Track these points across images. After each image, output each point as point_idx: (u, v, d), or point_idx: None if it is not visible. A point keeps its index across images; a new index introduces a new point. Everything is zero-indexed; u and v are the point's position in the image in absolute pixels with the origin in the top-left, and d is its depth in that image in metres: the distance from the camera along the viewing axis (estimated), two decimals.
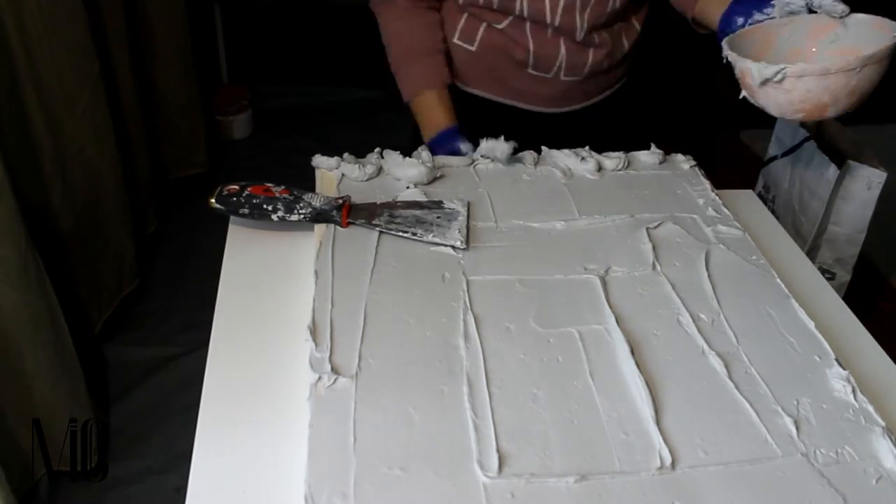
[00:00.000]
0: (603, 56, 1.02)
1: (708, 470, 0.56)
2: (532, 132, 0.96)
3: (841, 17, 0.84)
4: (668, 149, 0.99)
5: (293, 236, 0.81)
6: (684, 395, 0.62)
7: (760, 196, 1.40)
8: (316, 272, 0.71)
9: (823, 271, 1.32)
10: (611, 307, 0.70)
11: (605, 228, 0.81)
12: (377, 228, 0.77)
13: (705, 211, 0.86)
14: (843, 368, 0.65)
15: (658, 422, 0.59)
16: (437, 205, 0.80)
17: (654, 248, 0.79)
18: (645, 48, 1.10)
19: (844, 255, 1.33)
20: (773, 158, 1.41)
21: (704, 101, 2.79)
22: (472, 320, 0.67)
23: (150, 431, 1.44)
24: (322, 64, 2.75)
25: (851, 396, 0.63)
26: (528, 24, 0.97)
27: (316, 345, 0.63)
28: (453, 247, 0.75)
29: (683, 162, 0.95)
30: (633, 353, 0.64)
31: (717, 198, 0.88)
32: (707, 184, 0.91)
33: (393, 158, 0.87)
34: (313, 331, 0.65)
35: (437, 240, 0.75)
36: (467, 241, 0.76)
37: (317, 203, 0.78)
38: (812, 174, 1.28)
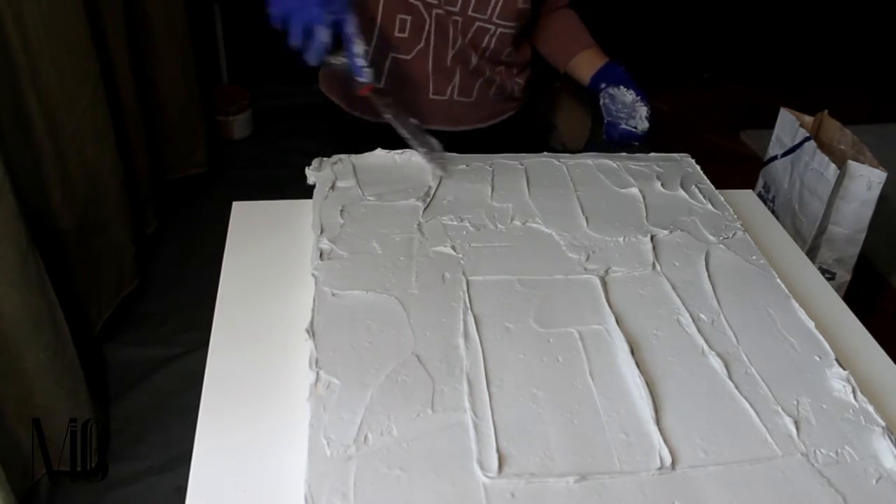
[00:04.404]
0: (487, 89, 1.13)
1: (708, 470, 0.56)
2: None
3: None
4: (668, 149, 0.99)
5: (294, 236, 0.81)
6: (684, 395, 0.62)
7: (760, 196, 1.40)
8: (315, 273, 0.71)
9: (823, 271, 1.32)
10: (611, 307, 0.70)
11: (606, 228, 0.81)
12: (386, 114, 0.89)
13: (705, 211, 0.86)
14: (843, 368, 0.66)
15: (658, 422, 0.59)
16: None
17: (654, 248, 0.79)
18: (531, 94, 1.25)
19: (844, 255, 1.33)
20: (773, 158, 1.41)
21: (704, 101, 2.79)
22: (472, 320, 0.67)
23: (150, 431, 1.43)
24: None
25: (851, 396, 0.63)
26: (431, 51, 1.07)
27: (315, 345, 0.63)
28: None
29: (683, 162, 0.95)
30: (633, 353, 0.64)
31: (717, 197, 0.88)
32: (707, 183, 0.91)
33: None
34: (313, 331, 0.65)
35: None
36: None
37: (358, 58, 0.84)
38: (812, 174, 1.28)
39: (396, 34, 1.06)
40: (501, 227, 0.80)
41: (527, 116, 1.28)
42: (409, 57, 1.07)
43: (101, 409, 1.44)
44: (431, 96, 1.11)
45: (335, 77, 1.19)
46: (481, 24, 1.05)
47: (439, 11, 1.02)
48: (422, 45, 1.06)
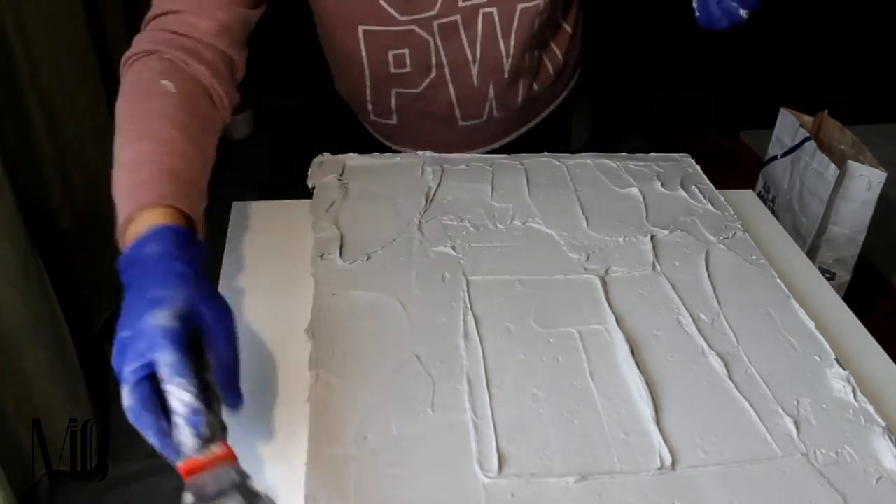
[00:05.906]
0: (533, 83, 0.95)
1: (708, 470, 0.56)
2: None
3: None
4: (668, 149, 0.99)
5: (293, 236, 0.81)
6: (684, 395, 0.62)
7: (760, 196, 1.40)
8: (315, 273, 0.71)
9: (823, 271, 1.33)
10: (611, 307, 0.70)
11: (606, 228, 0.81)
12: None
13: (705, 211, 0.86)
14: (843, 368, 0.66)
15: (658, 422, 0.59)
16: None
17: (654, 248, 0.79)
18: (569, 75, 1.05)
19: (844, 255, 1.33)
20: (773, 158, 1.42)
21: (704, 101, 2.79)
22: (472, 320, 0.67)
23: None
24: (322, 64, 2.74)
25: (851, 396, 0.63)
26: (448, 76, 0.88)
27: (315, 345, 0.63)
28: None
29: (683, 162, 0.95)
30: (633, 353, 0.64)
31: (717, 197, 0.88)
32: (707, 183, 0.91)
33: None
34: (313, 331, 0.65)
35: None
36: None
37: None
38: (812, 174, 1.28)
39: (394, 71, 0.88)
40: (501, 227, 0.80)
41: (569, 106, 1.08)
42: (417, 90, 0.90)
43: (101, 409, 1.44)
44: (462, 123, 0.94)
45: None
46: (524, 5, 0.85)
47: (441, 21, 0.83)
48: (433, 75, 0.88)
